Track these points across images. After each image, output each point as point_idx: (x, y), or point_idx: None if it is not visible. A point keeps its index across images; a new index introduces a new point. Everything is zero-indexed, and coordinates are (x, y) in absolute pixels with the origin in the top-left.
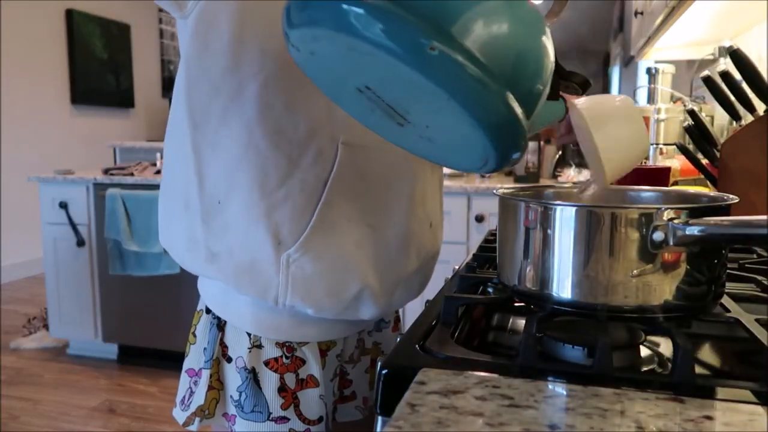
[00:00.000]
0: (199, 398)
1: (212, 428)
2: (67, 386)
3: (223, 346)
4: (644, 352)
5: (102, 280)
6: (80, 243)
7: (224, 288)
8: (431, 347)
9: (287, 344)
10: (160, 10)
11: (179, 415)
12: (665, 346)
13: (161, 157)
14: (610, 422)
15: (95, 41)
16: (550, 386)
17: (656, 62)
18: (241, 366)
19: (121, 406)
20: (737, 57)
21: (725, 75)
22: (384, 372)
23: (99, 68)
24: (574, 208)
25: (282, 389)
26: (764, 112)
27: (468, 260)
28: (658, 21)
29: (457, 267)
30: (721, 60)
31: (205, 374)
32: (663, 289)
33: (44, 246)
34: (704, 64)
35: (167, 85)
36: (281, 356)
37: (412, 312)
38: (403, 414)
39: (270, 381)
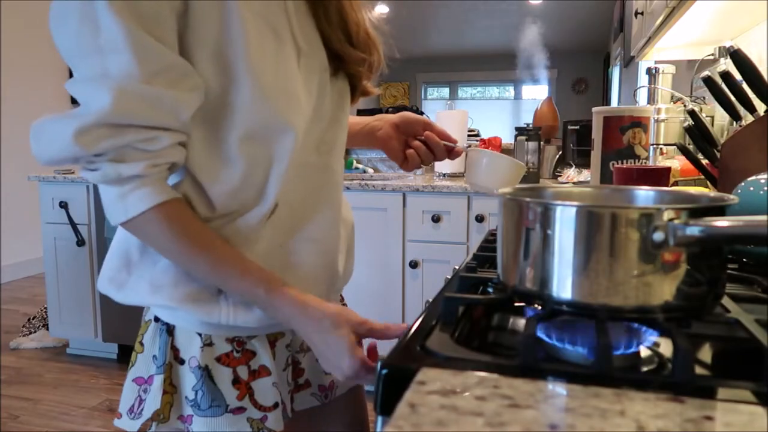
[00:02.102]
0: (154, 403)
1: None
2: (67, 386)
3: (175, 350)
4: (644, 352)
5: None
6: (80, 243)
7: (158, 298)
8: (431, 347)
9: (237, 339)
10: None
11: (129, 424)
12: (665, 346)
13: None
14: (611, 422)
15: None
16: (551, 386)
17: (656, 62)
18: (195, 365)
19: None
20: (737, 57)
21: (725, 75)
22: (384, 372)
23: None
24: (574, 208)
25: (236, 381)
26: (764, 112)
27: (468, 260)
28: (659, 21)
29: (457, 267)
30: (722, 60)
31: (158, 379)
32: (663, 289)
33: (44, 246)
34: (704, 64)
35: None
36: (232, 351)
37: (412, 312)
38: (403, 414)
39: (224, 375)
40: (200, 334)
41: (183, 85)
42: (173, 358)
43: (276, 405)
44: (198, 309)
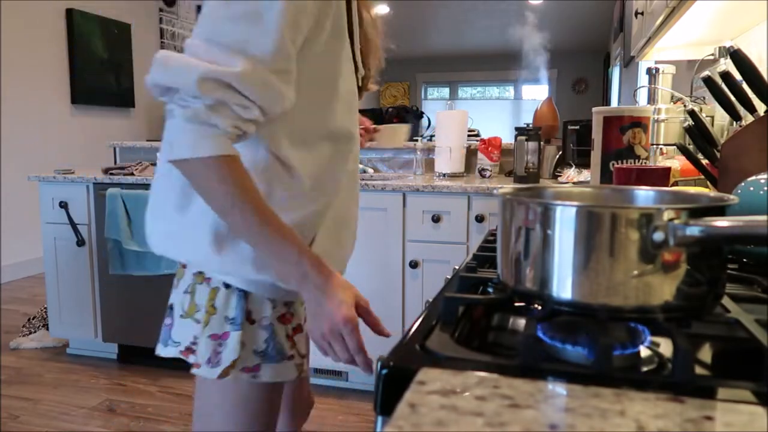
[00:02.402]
0: (232, 354)
1: (213, 390)
2: (67, 386)
3: (247, 312)
4: (644, 352)
5: (102, 280)
6: (80, 243)
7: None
8: (431, 347)
9: (287, 303)
10: (161, 9)
11: (209, 372)
12: (665, 347)
13: None
14: (611, 422)
15: (95, 41)
16: (551, 386)
17: (656, 62)
18: (267, 324)
19: (121, 405)
20: (737, 57)
21: (725, 75)
22: (384, 372)
23: (99, 68)
24: (574, 208)
25: (288, 336)
26: (764, 112)
27: (468, 260)
28: (659, 21)
29: (457, 267)
30: (722, 60)
31: (235, 335)
32: (663, 289)
33: (44, 246)
34: (704, 64)
35: None
36: (286, 312)
37: (412, 312)
38: (403, 414)
39: (282, 331)
40: (269, 299)
41: (290, 86)
42: (245, 319)
43: (305, 354)
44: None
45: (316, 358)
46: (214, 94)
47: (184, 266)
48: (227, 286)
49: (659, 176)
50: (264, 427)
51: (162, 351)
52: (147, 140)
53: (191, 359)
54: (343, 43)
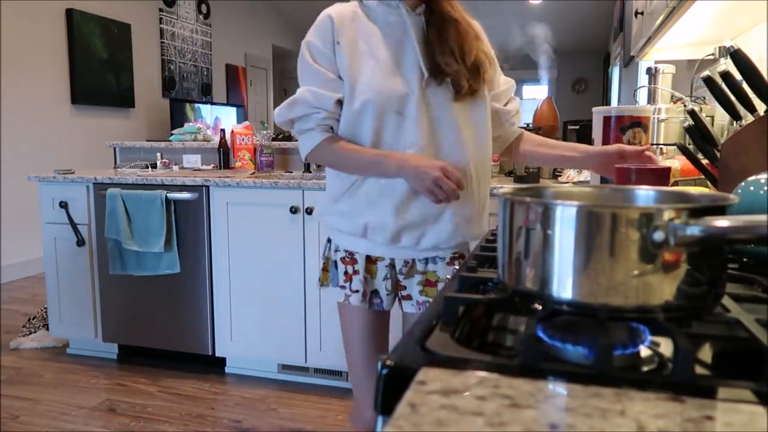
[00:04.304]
0: (319, 273)
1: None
2: (67, 386)
3: (330, 251)
4: (644, 352)
5: (102, 280)
6: (80, 243)
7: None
8: (432, 347)
9: (348, 251)
10: (161, 9)
11: (317, 285)
12: (666, 346)
13: (162, 157)
14: (611, 422)
15: (95, 41)
16: (551, 386)
17: (656, 62)
18: (334, 260)
19: (121, 405)
20: (737, 57)
21: (725, 75)
22: (384, 372)
23: (99, 68)
24: (574, 208)
25: (345, 273)
26: (764, 112)
27: (468, 260)
28: (659, 21)
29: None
30: (722, 60)
31: (322, 264)
32: (663, 289)
33: (44, 246)
34: (704, 64)
35: (167, 85)
36: (345, 257)
37: None
38: (404, 413)
39: (341, 268)
40: (335, 244)
41: (333, 91)
42: (329, 255)
43: (358, 291)
44: (344, 229)
45: (317, 359)
46: (294, 113)
47: None
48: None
49: (659, 176)
50: (349, 333)
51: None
52: (147, 140)
53: None
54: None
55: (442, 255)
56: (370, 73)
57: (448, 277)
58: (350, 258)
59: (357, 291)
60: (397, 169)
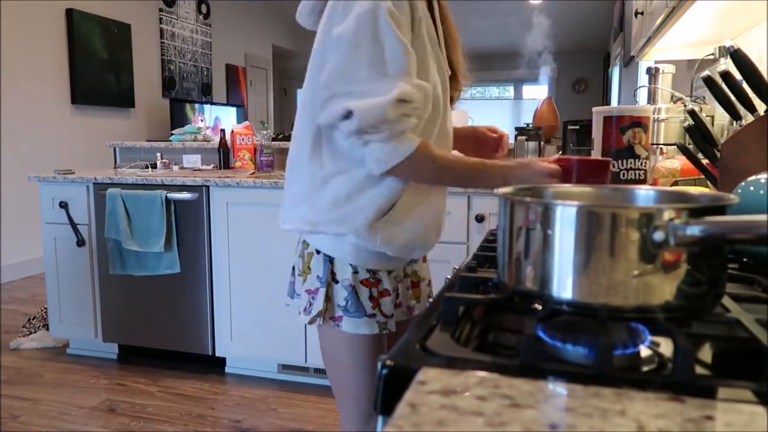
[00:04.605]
0: (319, 305)
1: (319, 333)
2: (67, 386)
3: (333, 273)
4: (644, 352)
5: (102, 280)
6: (80, 243)
7: (333, 238)
8: (432, 347)
9: (371, 270)
10: (161, 9)
11: (303, 318)
12: (666, 346)
13: (162, 157)
14: (611, 422)
15: (95, 41)
16: (551, 386)
17: (656, 62)
18: (347, 284)
19: (121, 405)
20: (737, 57)
21: (725, 75)
22: (384, 372)
23: (99, 68)
24: (574, 208)
25: (371, 297)
26: (764, 112)
27: (468, 260)
28: (659, 21)
29: (457, 267)
30: (722, 60)
31: (322, 291)
32: (663, 289)
33: (44, 246)
34: (704, 64)
35: (167, 85)
36: (369, 278)
37: None
38: (404, 413)
39: (364, 292)
40: (351, 264)
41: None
42: (331, 279)
43: (392, 315)
44: (361, 243)
45: (317, 359)
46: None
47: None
48: (318, 252)
49: (600, 168)
50: (365, 366)
51: (290, 302)
52: (147, 140)
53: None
54: (425, 45)
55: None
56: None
57: (425, 279)
58: (374, 278)
59: (391, 315)
60: (502, 183)
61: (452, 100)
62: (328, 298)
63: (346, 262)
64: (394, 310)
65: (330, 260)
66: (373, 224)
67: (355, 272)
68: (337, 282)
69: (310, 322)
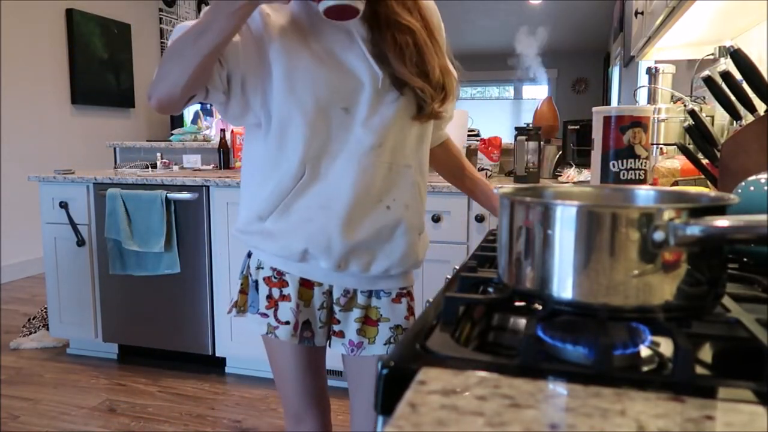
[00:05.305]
0: (234, 296)
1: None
2: (67, 386)
3: (248, 268)
4: (645, 351)
5: (102, 280)
6: (80, 243)
7: (249, 234)
8: (432, 347)
9: (277, 270)
10: (161, 9)
11: (227, 310)
12: (666, 346)
13: (162, 157)
14: (611, 422)
15: (95, 41)
16: (551, 386)
17: (656, 62)
18: (253, 279)
19: (121, 405)
20: (738, 57)
21: (725, 75)
22: (384, 372)
23: (99, 68)
24: (574, 208)
25: (269, 297)
26: (764, 112)
27: (468, 260)
28: (659, 21)
29: (457, 267)
30: (722, 60)
31: (238, 284)
32: (664, 289)
33: (44, 246)
34: (704, 64)
35: None
36: (271, 276)
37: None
38: (404, 413)
39: (263, 290)
40: (258, 260)
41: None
42: (248, 272)
43: (287, 323)
44: (275, 252)
45: None
46: None
47: None
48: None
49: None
50: (282, 372)
51: None
52: (147, 140)
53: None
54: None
55: (387, 289)
56: (308, 62)
57: (389, 319)
58: (278, 278)
59: (287, 323)
60: (214, 9)
61: (437, 115)
62: (243, 291)
63: (255, 257)
64: (331, 339)
65: (249, 255)
66: (252, 226)
67: (260, 268)
68: (249, 276)
69: (228, 312)
